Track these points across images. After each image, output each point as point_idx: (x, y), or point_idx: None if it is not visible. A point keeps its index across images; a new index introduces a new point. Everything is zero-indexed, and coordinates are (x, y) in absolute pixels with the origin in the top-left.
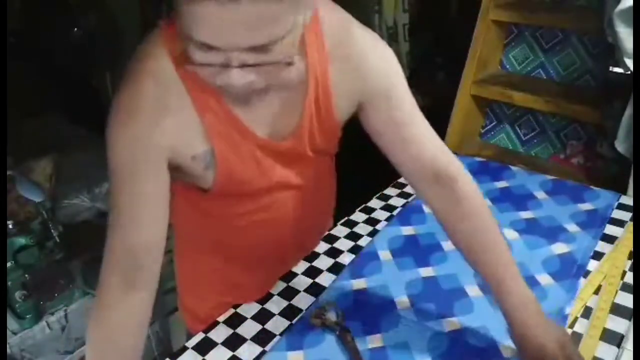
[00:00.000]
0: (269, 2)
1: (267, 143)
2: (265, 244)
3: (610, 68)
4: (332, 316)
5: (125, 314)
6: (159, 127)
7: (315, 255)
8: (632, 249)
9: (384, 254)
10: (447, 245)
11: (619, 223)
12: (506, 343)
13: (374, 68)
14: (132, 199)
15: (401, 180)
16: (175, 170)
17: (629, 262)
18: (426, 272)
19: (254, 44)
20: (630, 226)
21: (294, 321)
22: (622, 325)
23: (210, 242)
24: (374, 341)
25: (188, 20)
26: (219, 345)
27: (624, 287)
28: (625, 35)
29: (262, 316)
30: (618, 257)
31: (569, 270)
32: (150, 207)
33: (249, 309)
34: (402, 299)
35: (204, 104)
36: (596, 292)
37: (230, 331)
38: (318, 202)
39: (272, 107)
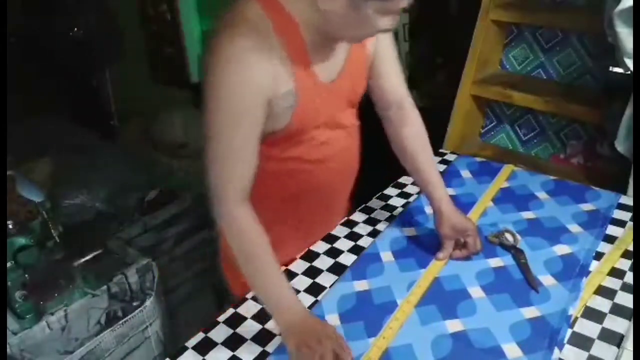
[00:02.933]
0: None
1: (326, 84)
2: (312, 189)
3: (610, 68)
4: (509, 238)
5: (248, 217)
6: (261, 68)
7: (316, 255)
8: (627, 248)
9: (386, 256)
10: None
11: (619, 223)
12: (509, 344)
13: None
14: (244, 140)
15: (401, 180)
16: None
17: (628, 262)
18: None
19: None
20: (629, 226)
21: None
22: (622, 325)
23: (261, 194)
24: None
25: None
26: (219, 345)
27: (624, 287)
28: (625, 35)
29: (262, 316)
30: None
31: (572, 271)
32: (254, 144)
33: (249, 308)
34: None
35: (293, 48)
36: (596, 292)
37: (230, 331)
38: (354, 148)
39: (330, 55)
